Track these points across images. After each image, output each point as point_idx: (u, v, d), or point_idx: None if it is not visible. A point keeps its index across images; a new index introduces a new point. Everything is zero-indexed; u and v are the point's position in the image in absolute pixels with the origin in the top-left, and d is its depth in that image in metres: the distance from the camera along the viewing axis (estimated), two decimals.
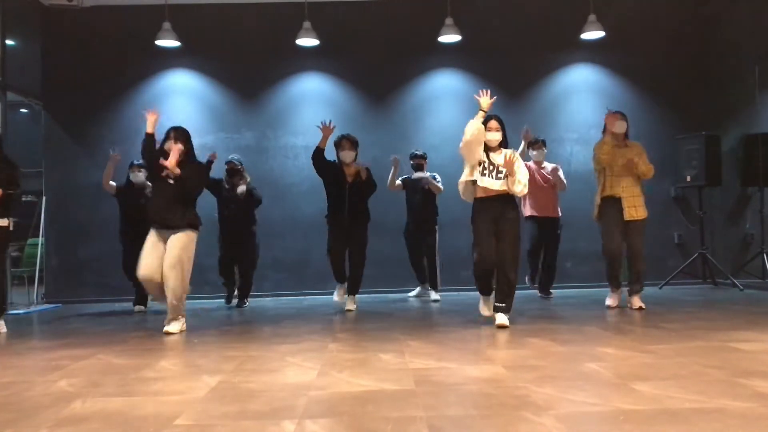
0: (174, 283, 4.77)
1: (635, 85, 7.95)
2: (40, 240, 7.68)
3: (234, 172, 6.56)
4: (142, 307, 6.62)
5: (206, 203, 6.80)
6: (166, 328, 4.83)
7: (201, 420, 2.50)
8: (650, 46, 7.93)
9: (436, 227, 6.82)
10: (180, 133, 4.92)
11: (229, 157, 6.69)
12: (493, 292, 4.93)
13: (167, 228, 4.84)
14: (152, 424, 2.45)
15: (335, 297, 6.25)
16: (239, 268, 6.72)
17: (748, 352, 3.53)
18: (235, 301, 6.77)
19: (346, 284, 6.17)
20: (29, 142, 9.08)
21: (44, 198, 7.65)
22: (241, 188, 6.51)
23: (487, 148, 4.79)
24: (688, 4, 8.06)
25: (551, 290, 6.85)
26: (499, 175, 4.71)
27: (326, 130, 5.93)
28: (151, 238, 4.87)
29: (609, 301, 5.79)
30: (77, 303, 7.36)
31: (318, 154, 5.93)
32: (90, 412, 2.63)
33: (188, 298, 7.36)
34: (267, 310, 6.46)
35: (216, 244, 6.76)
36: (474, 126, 4.66)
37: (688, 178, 7.41)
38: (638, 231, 5.61)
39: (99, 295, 7.50)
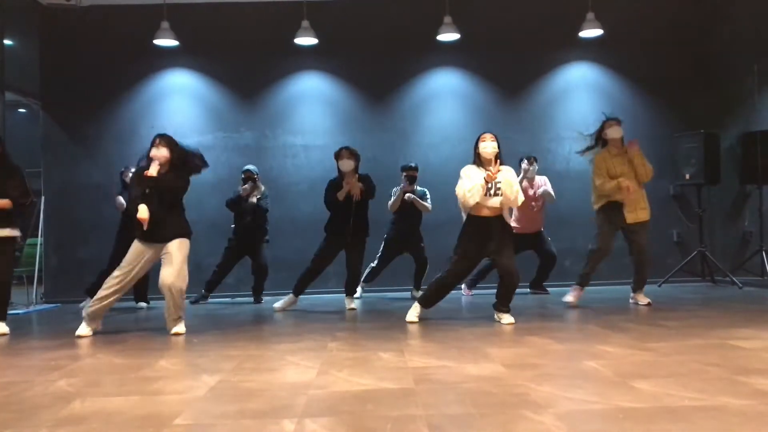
0: (180, 286, 4.74)
1: (634, 83, 7.96)
2: (39, 240, 7.68)
3: (249, 181, 6.84)
4: (144, 304, 6.76)
5: (222, 209, 7.00)
6: (176, 329, 4.77)
7: (200, 419, 2.50)
8: (649, 44, 7.93)
9: (420, 233, 6.85)
10: (164, 140, 4.82)
11: (246, 166, 6.98)
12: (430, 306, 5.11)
13: (157, 242, 4.76)
14: (152, 423, 2.45)
15: (278, 305, 6.21)
16: (253, 271, 7.04)
17: (748, 349, 3.54)
18: (247, 298, 7.14)
19: (296, 299, 6.24)
20: (28, 142, 9.08)
21: (43, 198, 7.64)
22: (252, 200, 6.81)
23: (482, 164, 4.85)
24: (686, 2, 8.06)
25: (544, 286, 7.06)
26: (497, 192, 4.75)
27: (354, 187, 5.88)
28: (136, 248, 4.76)
29: (571, 298, 5.80)
30: (76, 303, 7.34)
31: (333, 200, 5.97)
32: (89, 412, 2.63)
33: (187, 298, 7.42)
34: (266, 309, 6.46)
35: (222, 246, 7.00)
36: (476, 189, 4.69)
37: (687, 177, 7.41)
38: (642, 233, 5.66)
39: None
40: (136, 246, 4.78)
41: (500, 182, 4.73)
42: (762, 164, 7.23)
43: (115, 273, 4.79)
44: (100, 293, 4.80)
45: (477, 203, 4.75)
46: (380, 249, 6.87)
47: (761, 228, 7.29)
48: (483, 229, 4.80)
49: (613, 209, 5.66)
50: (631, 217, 5.62)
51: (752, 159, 7.36)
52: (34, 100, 8.03)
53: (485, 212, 4.79)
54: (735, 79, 7.79)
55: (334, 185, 5.99)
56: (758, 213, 7.34)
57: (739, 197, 7.88)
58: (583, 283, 5.84)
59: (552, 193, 6.83)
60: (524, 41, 7.89)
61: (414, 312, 5.08)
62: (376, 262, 6.90)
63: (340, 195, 5.87)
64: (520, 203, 4.85)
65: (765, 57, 7.43)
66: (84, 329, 4.82)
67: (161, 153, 4.76)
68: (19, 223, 5.15)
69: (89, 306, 4.88)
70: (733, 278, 7.05)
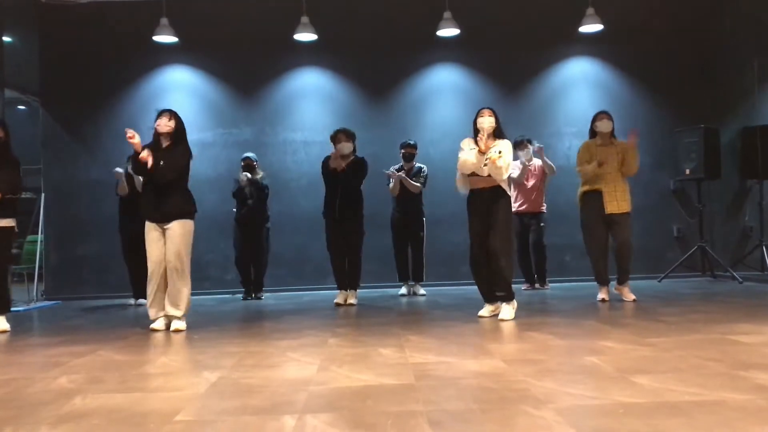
0: (180, 276, 4.74)
1: (634, 78, 7.94)
2: (39, 237, 7.68)
3: (249, 168, 6.85)
4: (144, 301, 6.69)
5: (222, 206, 7.12)
6: (176, 326, 4.75)
7: (201, 416, 2.51)
8: (649, 39, 7.91)
9: (423, 219, 6.77)
10: (170, 113, 4.84)
11: (245, 153, 7.01)
12: (493, 299, 4.98)
13: (161, 220, 4.76)
14: (153, 419, 2.46)
15: (337, 300, 6.18)
16: (253, 265, 6.98)
17: (748, 344, 3.54)
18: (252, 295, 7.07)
19: (349, 293, 6.22)
20: (27, 140, 9.06)
21: (43, 195, 7.64)
22: (244, 176, 6.81)
23: (479, 136, 4.84)
24: None
25: (546, 281, 7.03)
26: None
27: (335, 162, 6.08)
28: (150, 233, 4.79)
29: (601, 295, 5.80)
30: (77, 300, 7.36)
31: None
32: (90, 409, 2.64)
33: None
34: (266, 305, 6.47)
35: (228, 242, 7.07)
36: (470, 161, 4.75)
37: (687, 171, 7.40)
38: (623, 225, 5.66)
39: (98, 292, 7.51)
40: (147, 230, 4.80)
41: (489, 157, 4.70)
42: (762, 159, 7.24)
43: (149, 264, 4.79)
44: (149, 287, 4.81)
45: (471, 176, 4.82)
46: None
47: (761, 223, 7.30)
48: (476, 203, 4.88)
49: (592, 199, 5.68)
50: (610, 207, 5.62)
51: (752, 154, 7.37)
52: (33, 97, 8.04)
53: (478, 185, 4.83)
54: (735, 74, 7.78)
55: (328, 161, 6.13)
56: (758, 207, 7.35)
57: (739, 192, 7.88)
58: (600, 281, 5.83)
59: (550, 163, 6.79)
60: (524, 36, 7.87)
61: (486, 310, 5.02)
62: (394, 254, 6.85)
63: (332, 162, 6.03)
64: (504, 178, 4.78)
65: (765, 52, 7.42)
66: (159, 323, 4.83)
67: (170, 124, 4.80)
68: (15, 213, 5.11)
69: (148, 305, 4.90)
70: (734, 273, 7.05)
